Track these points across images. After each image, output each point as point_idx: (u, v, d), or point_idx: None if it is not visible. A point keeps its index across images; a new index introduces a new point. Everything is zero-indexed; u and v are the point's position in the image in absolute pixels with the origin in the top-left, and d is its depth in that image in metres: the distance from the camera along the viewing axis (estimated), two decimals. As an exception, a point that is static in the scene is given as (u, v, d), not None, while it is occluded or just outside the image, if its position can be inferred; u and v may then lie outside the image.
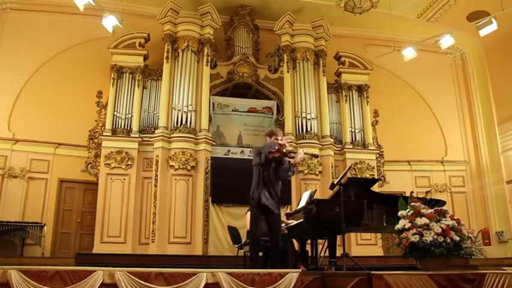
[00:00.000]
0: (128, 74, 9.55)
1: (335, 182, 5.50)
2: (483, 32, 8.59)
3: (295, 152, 5.47)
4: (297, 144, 9.45)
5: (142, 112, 9.46)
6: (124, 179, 8.94)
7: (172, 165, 8.88)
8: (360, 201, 5.35)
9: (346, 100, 10.41)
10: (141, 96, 9.50)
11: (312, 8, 10.55)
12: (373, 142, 10.40)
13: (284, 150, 5.27)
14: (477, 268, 6.30)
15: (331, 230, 5.37)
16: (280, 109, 10.32)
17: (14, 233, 8.39)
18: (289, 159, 5.44)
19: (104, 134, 9.14)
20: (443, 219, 4.13)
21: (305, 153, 5.58)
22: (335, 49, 10.59)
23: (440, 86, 11.66)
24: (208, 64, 9.72)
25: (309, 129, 9.68)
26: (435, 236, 3.96)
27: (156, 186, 8.80)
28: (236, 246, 6.80)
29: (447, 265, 4.10)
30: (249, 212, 6.74)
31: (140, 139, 9.18)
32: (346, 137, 10.15)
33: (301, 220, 5.40)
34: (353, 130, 10.26)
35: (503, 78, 10.66)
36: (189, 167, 8.92)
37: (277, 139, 5.28)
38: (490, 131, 10.93)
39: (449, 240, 3.98)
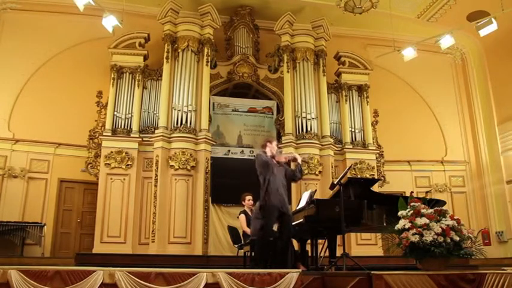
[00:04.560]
0: (127, 74, 9.55)
1: (335, 182, 5.51)
2: (483, 32, 8.57)
3: (294, 157, 5.64)
4: (297, 144, 9.46)
5: (142, 112, 9.46)
6: (124, 179, 8.94)
7: (172, 165, 8.88)
8: (360, 201, 5.35)
9: (346, 100, 10.41)
10: (141, 96, 9.50)
11: (312, 8, 10.55)
12: (373, 142, 10.39)
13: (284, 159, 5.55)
14: (477, 268, 6.29)
15: (331, 230, 5.38)
16: (280, 109, 10.32)
17: (14, 233, 8.39)
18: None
19: (104, 134, 9.14)
20: (443, 219, 4.13)
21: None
22: (335, 49, 10.59)
23: (440, 86, 11.66)
24: (208, 64, 9.71)
25: (309, 129, 9.68)
26: (435, 236, 3.96)
27: (156, 186, 8.79)
28: (236, 246, 6.79)
29: (447, 265, 4.10)
30: (241, 215, 6.78)
31: (140, 139, 9.18)
32: (346, 137, 10.15)
33: (301, 220, 5.40)
34: (353, 130, 10.26)
35: (503, 78, 10.66)
36: (189, 167, 8.92)
37: (270, 149, 5.47)
38: (490, 131, 10.92)
39: (449, 240, 3.98)
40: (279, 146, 8.28)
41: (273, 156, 5.46)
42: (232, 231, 7.02)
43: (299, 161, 5.63)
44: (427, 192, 10.28)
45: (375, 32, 11.17)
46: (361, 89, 10.57)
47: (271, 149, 5.50)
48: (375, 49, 11.02)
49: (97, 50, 9.82)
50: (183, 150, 8.98)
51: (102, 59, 9.73)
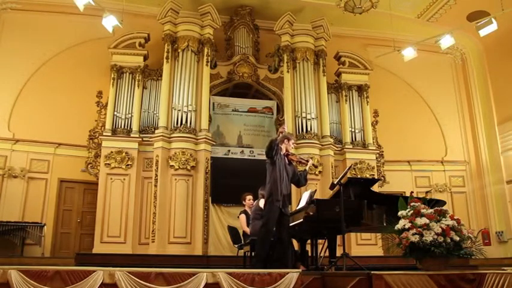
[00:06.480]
0: (127, 74, 9.55)
1: (335, 182, 5.52)
2: (483, 32, 8.58)
3: (307, 160, 5.72)
4: (297, 144, 9.45)
5: (142, 112, 9.45)
6: (124, 179, 8.93)
7: (172, 165, 8.87)
8: (360, 201, 5.35)
9: (346, 100, 10.41)
10: (141, 96, 9.49)
11: (312, 8, 10.55)
12: (373, 142, 10.39)
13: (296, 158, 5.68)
14: (477, 268, 6.30)
15: (331, 230, 5.38)
16: (280, 109, 10.32)
17: (14, 233, 8.38)
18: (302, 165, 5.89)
19: (104, 134, 9.13)
20: (443, 219, 4.13)
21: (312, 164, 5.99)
22: (335, 49, 10.59)
23: (440, 86, 11.66)
24: (208, 64, 9.71)
25: (309, 129, 9.68)
26: (435, 236, 3.96)
27: (156, 186, 8.79)
28: (236, 246, 6.80)
29: (447, 265, 4.11)
30: (242, 215, 6.79)
31: (140, 139, 9.18)
32: (346, 137, 10.14)
33: (301, 220, 5.40)
34: (353, 130, 10.26)
35: (503, 78, 10.66)
36: (189, 167, 8.92)
37: (286, 147, 5.55)
38: (490, 131, 10.93)
39: (449, 240, 3.99)
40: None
41: (287, 155, 5.49)
42: (232, 231, 7.02)
43: (308, 166, 5.67)
44: (427, 192, 10.28)
45: (375, 32, 11.18)
46: (361, 89, 10.57)
47: (288, 146, 5.57)
48: (375, 49, 11.01)
49: (97, 50, 9.81)
50: (183, 150, 8.98)
51: (102, 59, 9.72)
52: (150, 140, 9.13)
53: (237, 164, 9.53)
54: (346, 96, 10.44)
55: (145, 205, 8.95)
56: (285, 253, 5.31)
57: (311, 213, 5.23)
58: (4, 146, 9.11)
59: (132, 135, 9.17)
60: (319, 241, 5.86)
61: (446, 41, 9.17)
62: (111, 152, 8.96)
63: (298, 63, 10.12)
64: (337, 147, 9.99)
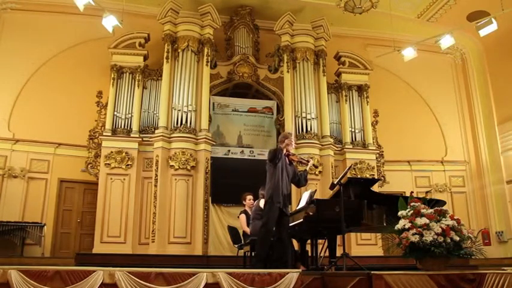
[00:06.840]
0: (127, 74, 9.55)
1: (335, 182, 5.51)
2: (483, 32, 8.58)
3: (307, 161, 5.73)
4: (297, 144, 9.45)
5: (142, 112, 9.46)
6: (124, 179, 8.93)
7: (172, 165, 8.87)
8: (360, 201, 5.35)
9: (346, 100, 10.41)
10: (141, 96, 9.50)
11: (312, 8, 10.56)
12: (373, 142, 10.39)
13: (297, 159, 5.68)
14: (477, 268, 6.30)
15: (331, 230, 5.38)
16: (280, 109, 10.32)
17: (14, 233, 8.38)
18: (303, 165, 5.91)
19: (104, 134, 9.13)
20: (443, 219, 4.13)
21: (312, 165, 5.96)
22: (335, 49, 10.59)
23: (440, 86, 11.66)
24: (208, 64, 9.71)
25: (309, 129, 9.68)
26: (435, 236, 3.96)
27: (156, 186, 8.79)
28: (236, 246, 6.80)
29: (447, 265, 4.11)
30: (242, 215, 6.79)
31: (140, 139, 9.18)
32: (346, 137, 10.14)
33: (301, 220, 5.40)
34: (353, 130, 10.26)
35: (503, 78, 10.66)
36: (189, 167, 8.92)
37: (289, 144, 5.56)
38: (490, 131, 10.93)
39: (449, 240, 3.99)
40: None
41: (287, 155, 5.50)
42: (232, 231, 7.03)
43: (309, 166, 5.67)
44: (427, 192, 10.28)
45: (375, 32, 11.18)
46: (361, 89, 10.57)
47: (288, 146, 5.57)
48: (375, 49, 11.02)
49: (97, 50, 9.82)
50: (183, 150, 8.98)
51: (102, 59, 9.72)
52: (150, 140, 9.13)
53: (237, 164, 9.53)
54: (346, 96, 10.44)
55: (145, 205, 8.95)
56: (285, 253, 5.31)
57: (311, 213, 5.23)
58: (4, 146, 9.11)
59: (132, 135, 9.17)
60: (319, 241, 5.86)
61: (446, 41, 9.17)
62: (111, 152, 8.96)
63: (298, 63, 10.12)
64: (337, 147, 9.99)
